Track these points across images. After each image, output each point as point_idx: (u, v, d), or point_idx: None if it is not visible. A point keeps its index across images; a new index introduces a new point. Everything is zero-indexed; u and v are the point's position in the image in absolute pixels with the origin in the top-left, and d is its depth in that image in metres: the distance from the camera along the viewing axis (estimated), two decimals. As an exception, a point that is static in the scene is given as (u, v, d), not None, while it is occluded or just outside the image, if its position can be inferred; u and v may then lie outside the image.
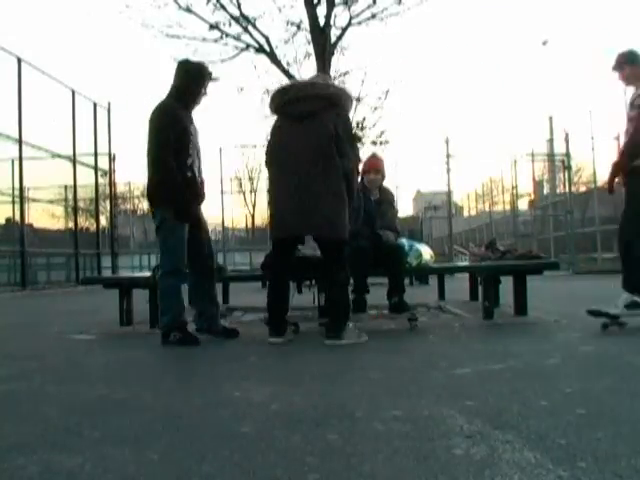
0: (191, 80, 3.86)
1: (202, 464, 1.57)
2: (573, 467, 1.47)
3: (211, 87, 3.92)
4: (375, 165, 5.08)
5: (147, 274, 5.27)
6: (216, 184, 20.90)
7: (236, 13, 6.38)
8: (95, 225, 17.03)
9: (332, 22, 6.34)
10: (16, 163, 12.36)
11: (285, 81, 6.71)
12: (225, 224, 22.81)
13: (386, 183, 5.23)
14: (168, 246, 3.85)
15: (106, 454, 1.67)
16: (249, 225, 31.96)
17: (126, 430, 1.91)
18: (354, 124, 6.93)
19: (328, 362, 3.17)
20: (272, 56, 6.32)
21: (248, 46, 6.41)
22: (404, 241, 5.01)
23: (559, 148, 20.12)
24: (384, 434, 1.79)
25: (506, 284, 5.12)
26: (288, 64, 6.56)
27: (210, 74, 3.90)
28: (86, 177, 15.59)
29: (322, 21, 6.25)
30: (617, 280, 4.14)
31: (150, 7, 6.04)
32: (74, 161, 14.81)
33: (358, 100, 6.93)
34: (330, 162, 3.65)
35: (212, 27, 6.36)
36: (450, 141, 22.00)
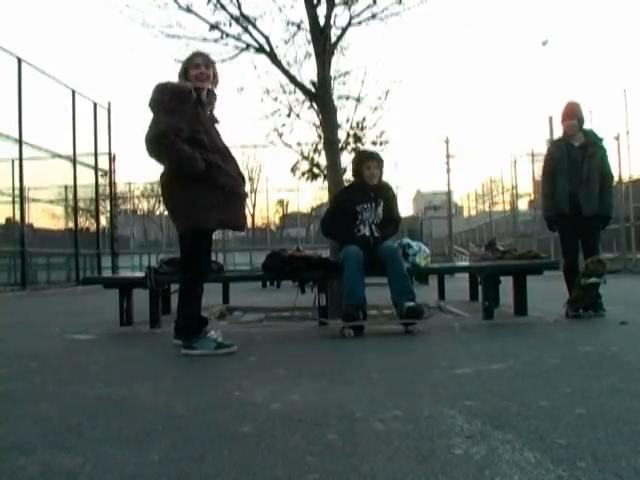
0: None
1: (202, 464, 1.57)
2: (573, 467, 1.47)
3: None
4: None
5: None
6: (216, 184, 20.95)
7: (236, 13, 6.35)
8: (95, 225, 17.06)
9: (332, 22, 6.32)
10: (16, 163, 12.38)
11: (285, 81, 6.68)
12: (225, 224, 22.85)
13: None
14: None
15: (106, 454, 1.67)
16: (249, 225, 32.02)
17: (126, 430, 1.90)
18: (354, 124, 6.88)
19: (328, 362, 3.17)
20: (272, 56, 6.30)
21: (248, 46, 6.38)
22: (407, 240, 4.92)
23: (559, 148, 20.14)
24: (384, 434, 1.79)
25: (506, 284, 5.12)
26: (288, 64, 6.54)
27: None
28: (86, 177, 15.62)
29: (322, 21, 6.22)
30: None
31: (150, 7, 6.01)
32: (74, 161, 14.84)
33: (358, 100, 6.88)
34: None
35: (212, 27, 6.35)
36: (450, 141, 21.97)
